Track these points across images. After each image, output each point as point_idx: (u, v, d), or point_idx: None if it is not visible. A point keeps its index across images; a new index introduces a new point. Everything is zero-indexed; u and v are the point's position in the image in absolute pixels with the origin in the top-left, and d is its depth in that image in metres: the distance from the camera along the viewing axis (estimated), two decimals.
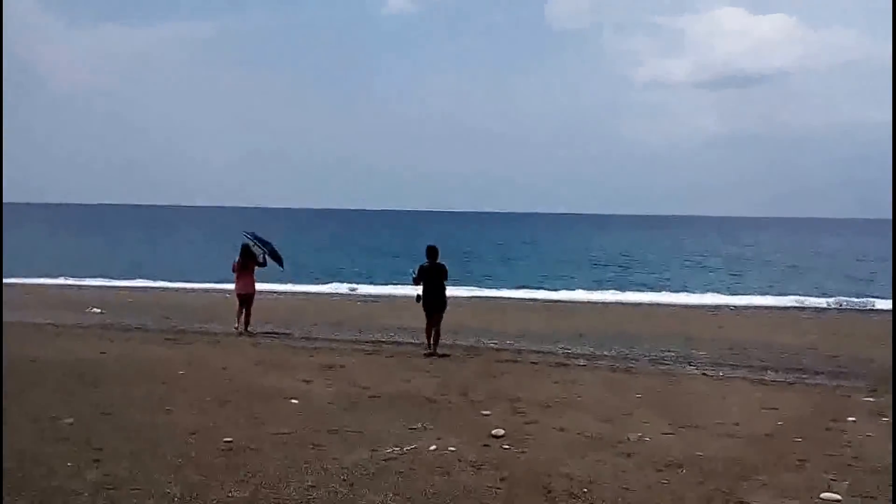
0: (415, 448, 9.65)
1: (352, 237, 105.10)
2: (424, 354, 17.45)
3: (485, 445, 9.84)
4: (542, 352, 18.40)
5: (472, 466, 8.94)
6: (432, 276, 17.48)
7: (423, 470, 8.79)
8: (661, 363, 17.14)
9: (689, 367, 16.63)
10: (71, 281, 41.44)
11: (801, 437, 10.58)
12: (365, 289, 39.55)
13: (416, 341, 19.45)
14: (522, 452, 9.57)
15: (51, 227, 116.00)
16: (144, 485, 8.08)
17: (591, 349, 18.97)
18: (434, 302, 17.51)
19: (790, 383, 15.04)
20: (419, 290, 17.55)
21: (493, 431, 10.41)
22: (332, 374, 14.78)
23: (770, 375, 15.86)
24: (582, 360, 17.28)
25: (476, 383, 14.10)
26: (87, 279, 42.58)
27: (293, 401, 12.25)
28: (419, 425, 10.81)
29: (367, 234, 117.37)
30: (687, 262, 63.83)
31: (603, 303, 34.68)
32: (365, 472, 8.65)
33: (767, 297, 35.84)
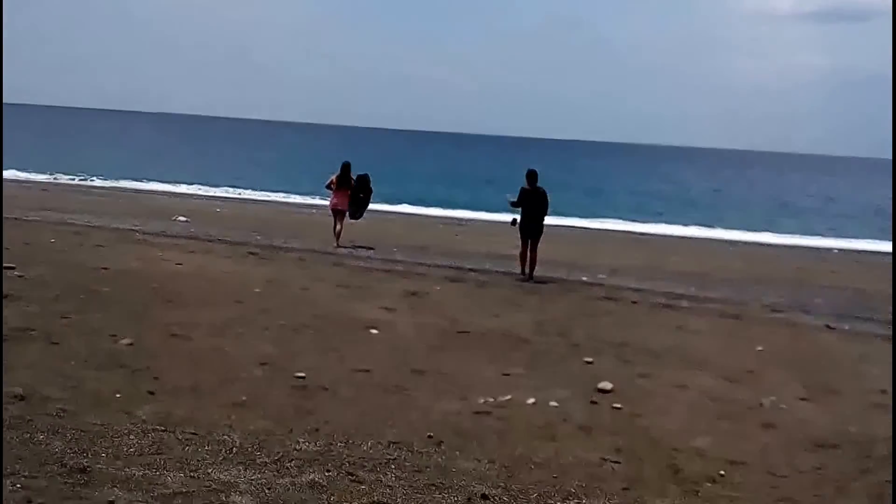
0: (510, 399, 8.44)
1: (439, 161, 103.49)
2: (518, 279, 17.02)
3: (592, 402, 8.56)
4: (642, 290, 16.95)
5: (581, 430, 7.68)
6: (532, 201, 16.96)
7: (522, 429, 7.57)
8: (776, 310, 15.57)
9: (807, 317, 15.02)
10: (163, 187, 41.74)
11: None
12: (450, 212, 38.62)
13: (506, 270, 18.23)
14: (638, 415, 8.26)
15: (149, 134, 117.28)
16: (201, 427, 7.01)
17: (695, 290, 17.46)
18: (532, 226, 16.98)
19: None
20: (516, 214, 17.25)
21: (601, 385, 9.10)
22: (416, 302, 13.64)
23: None
24: (685, 302, 15.82)
25: (574, 323, 12.81)
26: (180, 185, 42.82)
27: (374, 331, 11.13)
28: (515, 370, 9.60)
29: (452, 158, 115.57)
30: (786, 202, 61.16)
31: (697, 238, 33.03)
32: (455, 429, 7.46)
33: (877, 241, 33.72)
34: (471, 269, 18.25)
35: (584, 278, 18.10)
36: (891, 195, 73.92)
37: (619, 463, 6.92)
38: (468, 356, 10.13)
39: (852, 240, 34.69)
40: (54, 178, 43.03)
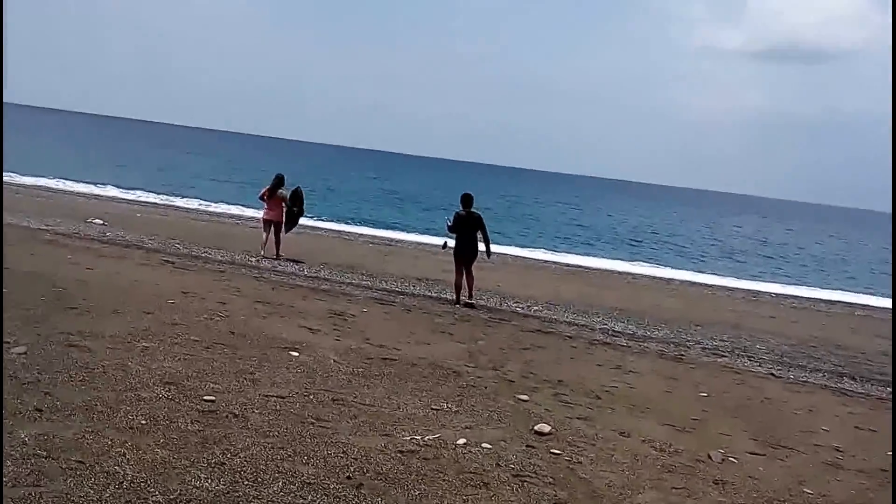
0: (439, 437, 7.72)
1: (375, 181, 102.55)
2: (453, 303, 16.91)
3: (528, 446, 7.86)
4: (578, 325, 16.42)
5: (516, 478, 6.94)
6: (466, 225, 16.78)
7: (451, 474, 6.82)
8: (717, 354, 15.12)
9: (750, 363, 14.59)
10: (81, 187, 40.49)
11: None
12: (379, 233, 38.03)
13: (436, 295, 17.59)
14: (578, 463, 7.59)
15: (65, 131, 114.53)
16: (89, 454, 6.17)
17: (633, 328, 16.98)
18: (466, 252, 16.88)
19: (879, 398, 12.99)
20: (448, 238, 17.24)
21: (538, 427, 8.43)
22: (341, 323, 12.86)
23: (849, 384, 13.82)
24: (623, 340, 15.29)
25: (507, 356, 12.16)
26: (99, 186, 41.60)
27: (293, 353, 10.32)
28: (444, 405, 8.89)
29: (394, 179, 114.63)
30: (720, 243, 61.40)
31: (633, 275, 32.64)
32: (377, 470, 6.69)
33: (814, 288, 33.77)
34: (399, 293, 17.56)
35: (519, 309, 17.54)
36: (824, 242, 75.29)
37: None
38: (395, 387, 9.38)
39: (788, 285, 34.70)
40: None
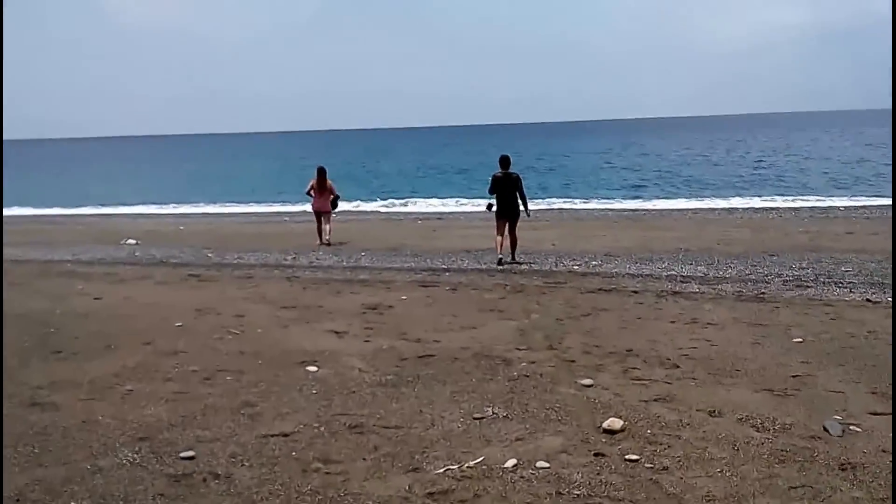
0: (482, 463, 5.84)
1: (405, 154, 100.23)
2: (497, 264, 16.11)
3: (597, 455, 5.92)
4: (642, 275, 14.43)
5: None
6: (506, 185, 16.33)
7: None
8: (801, 285, 13.01)
9: (840, 291, 12.47)
10: (128, 209, 39.53)
11: None
12: (421, 206, 36.37)
13: (485, 267, 15.74)
14: (663, 470, 5.62)
15: (118, 159, 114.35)
16: None
17: (703, 269, 14.92)
18: (508, 211, 16.40)
19: None
20: (491, 201, 16.59)
21: (606, 423, 6.48)
22: (374, 319, 11.00)
23: None
24: (695, 285, 13.28)
25: (566, 328, 10.24)
26: (148, 206, 40.52)
27: (311, 368, 8.49)
28: (490, 410, 7.00)
29: (421, 150, 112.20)
30: (770, 163, 58.29)
31: (692, 210, 30.44)
32: None
33: (884, 197, 31.14)
34: (445, 270, 15.76)
35: (576, 267, 15.59)
36: (874, 145, 71.50)
37: None
38: (429, 395, 7.49)
39: (856, 197, 32.17)
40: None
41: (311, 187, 21.08)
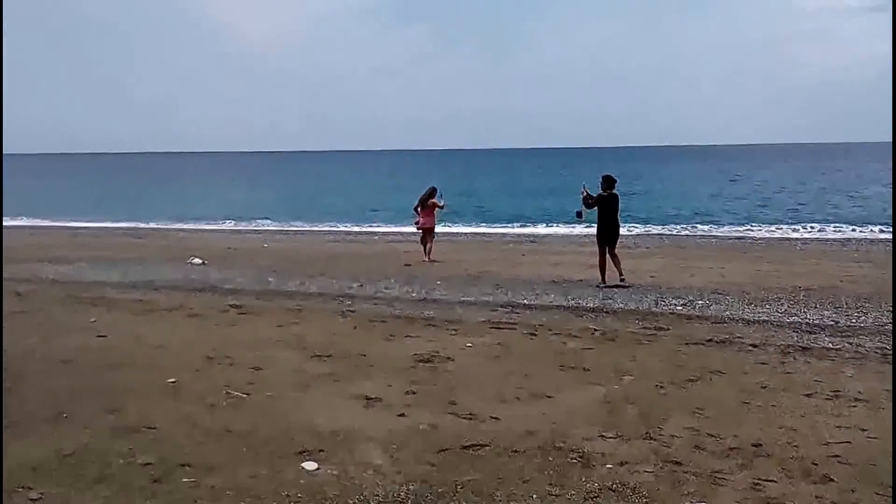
0: None
1: (509, 178, 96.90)
2: (599, 286, 15.38)
3: None
4: (759, 321, 11.65)
5: None
6: (609, 206, 15.79)
7: None
8: None
9: None
10: (223, 225, 38.01)
11: None
12: (523, 230, 34.00)
13: (572, 304, 13.23)
14: None
15: (224, 174, 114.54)
16: None
17: (832, 315, 12.04)
18: (607, 232, 15.82)
19: None
20: (584, 210, 16.17)
21: None
22: (423, 378, 8.46)
23: None
24: (826, 338, 10.49)
25: (667, 400, 7.61)
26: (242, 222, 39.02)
27: (309, 465, 5.92)
28: None
29: (518, 175, 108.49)
30: (879, 193, 53.68)
31: (802, 241, 27.17)
32: None
33: None
34: (526, 306, 13.21)
35: (679, 308, 12.86)
36: None
37: None
38: None
39: None
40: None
41: (418, 205, 20.96)
